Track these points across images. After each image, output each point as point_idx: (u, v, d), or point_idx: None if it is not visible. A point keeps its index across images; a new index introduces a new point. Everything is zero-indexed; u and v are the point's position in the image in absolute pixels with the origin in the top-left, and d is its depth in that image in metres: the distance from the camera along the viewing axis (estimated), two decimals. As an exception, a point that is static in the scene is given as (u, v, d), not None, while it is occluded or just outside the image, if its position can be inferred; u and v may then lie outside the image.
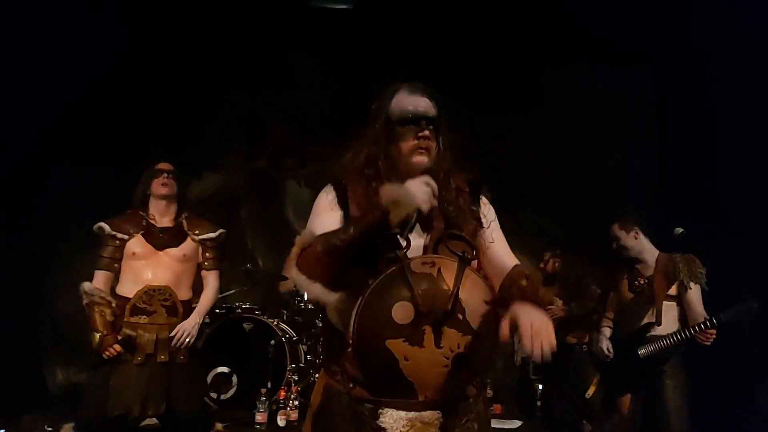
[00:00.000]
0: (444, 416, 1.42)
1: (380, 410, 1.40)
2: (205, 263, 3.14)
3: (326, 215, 1.55)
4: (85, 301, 2.86)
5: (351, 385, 1.45)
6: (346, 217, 1.52)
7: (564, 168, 5.30)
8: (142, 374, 2.82)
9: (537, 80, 5.25)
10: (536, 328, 1.27)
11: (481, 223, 1.61)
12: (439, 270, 1.38)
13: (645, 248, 3.38)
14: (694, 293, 3.18)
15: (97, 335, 2.78)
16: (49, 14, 4.35)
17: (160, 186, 3.02)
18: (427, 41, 5.10)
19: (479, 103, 5.34)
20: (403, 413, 1.39)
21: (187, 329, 2.94)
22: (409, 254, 1.42)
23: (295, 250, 1.46)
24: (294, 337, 4.58)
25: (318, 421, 1.52)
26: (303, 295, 4.56)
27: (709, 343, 3.03)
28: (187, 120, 5.14)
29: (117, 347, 2.77)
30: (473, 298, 1.39)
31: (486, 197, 1.67)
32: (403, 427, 1.38)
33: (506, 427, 4.27)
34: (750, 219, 3.76)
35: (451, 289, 1.36)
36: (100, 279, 2.93)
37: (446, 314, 1.34)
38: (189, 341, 2.93)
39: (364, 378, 1.42)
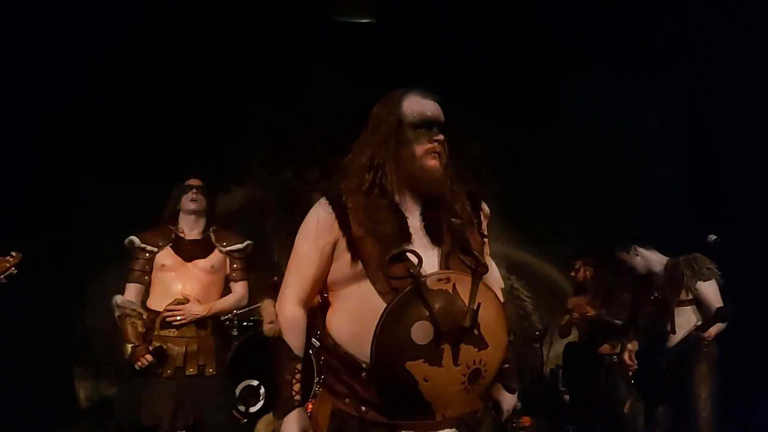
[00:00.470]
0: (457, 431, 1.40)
1: None
2: (233, 274, 3.16)
3: (313, 244, 1.50)
4: (117, 314, 2.89)
5: (363, 409, 1.40)
6: (349, 238, 1.45)
7: (592, 175, 5.22)
8: (172, 387, 2.83)
9: (564, 87, 5.19)
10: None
11: (484, 237, 1.59)
12: (454, 286, 1.35)
13: (652, 261, 3.38)
14: (706, 291, 3.13)
15: (130, 346, 2.81)
16: (86, 28, 4.47)
17: (189, 201, 3.06)
18: (451, 53, 5.10)
19: (506, 111, 5.32)
20: None
21: (187, 312, 2.91)
22: (423, 271, 1.36)
23: (265, 314, 1.56)
24: (321, 349, 4.57)
25: None
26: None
27: (711, 337, 3.03)
28: (214, 135, 5.21)
29: (149, 357, 2.78)
30: (487, 312, 1.36)
31: (485, 210, 1.64)
32: None
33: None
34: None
35: (467, 304, 1.32)
36: (132, 292, 2.98)
37: (464, 331, 1.31)
38: (179, 320, 2.90)
39: (381, 401, 1.38)
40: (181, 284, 2.97)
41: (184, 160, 4.50)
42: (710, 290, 3.14)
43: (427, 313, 1.30)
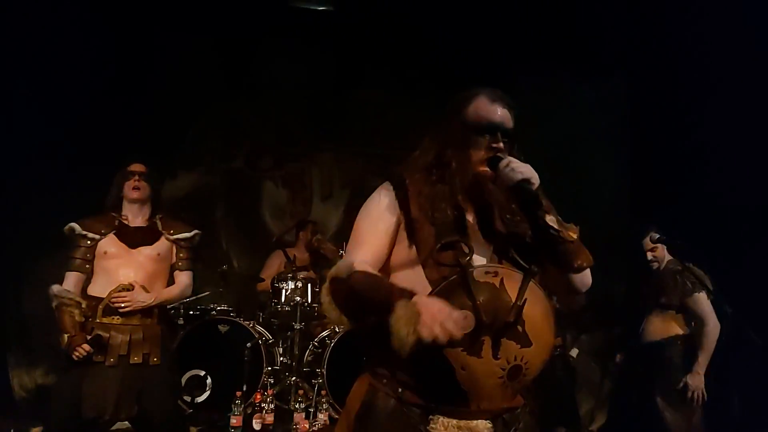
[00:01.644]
0: (494, 426, 1.40)
1: (430, 416, 1.38)
2: (179, 263, 3.10)
3: (379, 221, 1.50)
4: (53, 304, 2.79)
5: (400, 390, 1.41)
6: (407, 219, 1.47)
7: (545, 176, 5.35)
8: (115, 376, 2.75)
9: (515, 88, 5.29)
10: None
11: None
12: (501, 280, 1.36)
13: (666, 257, 3.46)
14: (694, 302, 3.22)
15: (66, 336, 2.72)
16: (27, 12, 4.25)
17: (131, 189, 2.97)
18: (408, 45, 5.12)
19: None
20: (454, 421, 1.37)
21: (134, 300, 2.83)
22: (472, 262, 1.38)
23: (331, 273, 1.42)
24: (270, 339, 4.54)
25: (362, 423, 1.46)
26: (280, 297, 4.52)
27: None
28: (162, 119, 5.06)
29: (86, 347, 2.70)
30: (534, 311, 1.36)
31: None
32: None
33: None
34: (729, 222, 3.86)
35: (513, 300, 1.33)
36: (71, 281, 2.88)
37: (507, 326, 1.32)
38: (124, 307, 2.82)
39: (417, 384, 1.39)
40: (125, 272, 2.89)
41: (129, 145, 4.35)
42: (701, 302, 3.22)
43: (470, 304, 1.31)
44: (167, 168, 5.21)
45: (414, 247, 1.45)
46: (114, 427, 2.95)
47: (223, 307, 4.62)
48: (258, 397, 4.09)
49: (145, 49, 4.99)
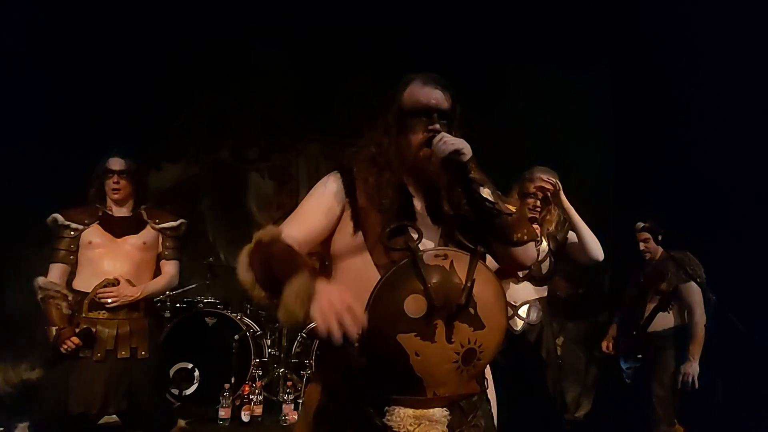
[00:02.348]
0: (450, 414, 1.39)
1: (387, 408, 1.36)
2: (165, 252, 3.05)
3: (321, 203, 1.49)
4: (39, 296, 2.76)
5: (355, 381, 1.40)
6: (354, 207, 1.47)
7: (528, 164, 5.37)
8: (102, 371, 2.73)
9: (503, 77, 5.29)
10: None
11: None
12: (451, 263, 1.35)
13: (658, 249, 3.49)
14: (686, 292, 3.29)
15: (54, 329, 2.68)
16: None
17: (111, 191, 2.92)
18: (394, 35, 5.08)
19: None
20: (410, 411, 1.35)
21: (121, 294, 2.80)
22: (421, 246, 1.38)
23: (257, 236, 1.40)
24: (258, 331, 4.54)
25: (320, 420, 1.45)
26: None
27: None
28: (146, 109, 4.98)
29: (75, 340, 2.67)
30: (485, 292, 1.36)
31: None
32: (410, 425, 1.34)
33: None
34: (714, 210, 3.91)
35: (464, 282, 1.32)
36: (56, 272, 2.83)
37: (459, 308, 1.31)
38: (110, 303, 2.79)
39: (372, 374, 1.37)
40: (111, 262, 2.85)
41: (113, 135, 4.28)
42: (690, 292, 3.28)
43: (422, 287, 1.30)
44: (152, 159, 5.14)
45: (360, 233, 1.45)
46: (101, 421, 2.92)
47: (210, 300, 4.60)
48: (246, 389, 4.09)
49: (130, 39, 4.90)
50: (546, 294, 3.06)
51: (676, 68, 4.41)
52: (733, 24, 3.82)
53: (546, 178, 2.89)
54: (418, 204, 1.51)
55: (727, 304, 2.99)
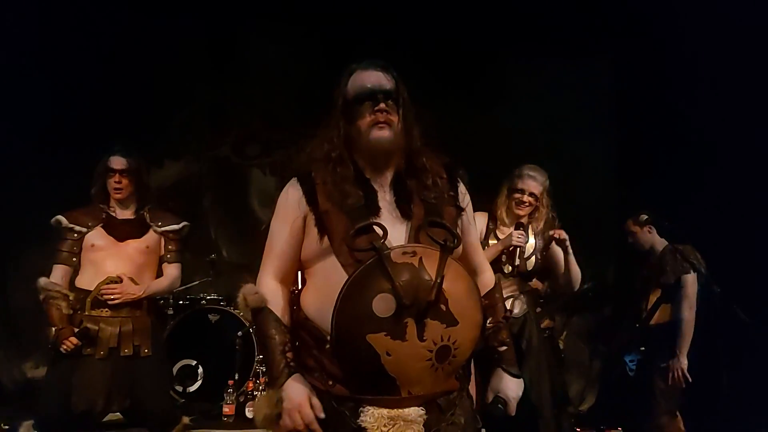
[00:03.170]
0: (428, 412, 1.37)
1: (361, 408, 1.35)
2: (168, 255, 3.06)
3: (285, 222, 1.51)
4: (41, 296, 2.77)
5: (330, 383, 1.39)
6: (316, 213, 1.45)
7: (531, 159, 5.34)
8: (106, 368, 2.75)
9: (506, 71, 5.27)
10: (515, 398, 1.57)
11: (460, 210, 1.56)
12: (420, 259, 1.32)
13: (656, 241, 3.48)
14: (683, 283, 3.24)
15: (54, 329, 2.69)
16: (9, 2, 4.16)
17: (113, 190, 2.91)
18: (395, 30, 5.06)
19: (445, 92, 5.35)
20: (384, 411, 1.34)
21: (124, 292, 2.81)
22: (389, 244, 1.36)
23: (245, 295, 1.51)
24: (261, 327, 4.54)
25: None
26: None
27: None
28: (147, 107, 4.98)
29: (74, 340, 2.68)
30: (456, 288, 1.34)
31: (463, 182, 1.62)
32: (385, 426, 1.33)
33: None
34: (715, 206, 3.89)
35: (434, 279, 1.30)
36: (58, 273, 2.85)
37: (429, 305, 1.28)
38: (113, 299, 2.80)
39: (344, 375, 1.37)
40: (113, 264, 2.86)
41: (114, 134, 4.28)
42: (689, 283, 3.24)
43: (389, 286, 1.28)
44: (154, 157, 5.14)
45: (326, 237, 1.43)
46: (105, 419, 2.93)
47: (213, 296, 4.60)
48: (250, 385, 4.10)
49: (129, 36, 4.89)
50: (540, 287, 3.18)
51: (678, 61, 4.39)
52: (736, 17, 3.80)
53: (557, 233, 2.96)
54: (384, 198, 1.47)
55: (732, 296, 2.98)
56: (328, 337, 1.36)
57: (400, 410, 1.35)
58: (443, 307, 1.31)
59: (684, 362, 3.19)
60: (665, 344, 3.30)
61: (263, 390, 4.02)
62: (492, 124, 5.25)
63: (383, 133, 1.46)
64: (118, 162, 2.93)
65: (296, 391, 1.40)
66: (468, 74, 5.29)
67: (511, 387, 1.57)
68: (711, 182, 3.98)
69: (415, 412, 1.36)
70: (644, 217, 3.50)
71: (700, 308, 3.24)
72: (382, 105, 1.46)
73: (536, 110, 5.27)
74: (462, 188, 1.61)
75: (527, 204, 3.03)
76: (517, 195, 3.03)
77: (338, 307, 1.32)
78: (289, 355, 1.45)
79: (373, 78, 1.50)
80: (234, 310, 4.44)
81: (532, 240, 3.06)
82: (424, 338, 1.29)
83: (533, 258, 3.06)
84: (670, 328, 3.32)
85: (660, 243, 3.48)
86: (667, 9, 4.26)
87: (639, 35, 4.71)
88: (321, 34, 5.25)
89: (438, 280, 1.30)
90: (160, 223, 3.03)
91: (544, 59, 5.17)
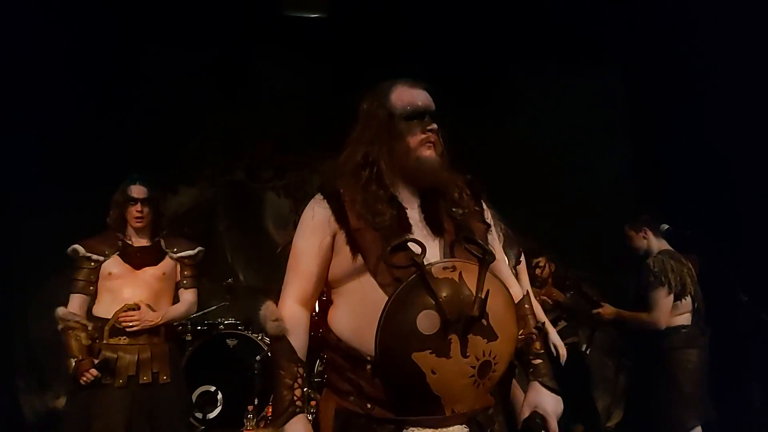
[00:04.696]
0: (469, 430, 1.35)
1: (404, 430, 1.33)
2: (184, 281, 3.08)
3: (311, 243, 1.47)
4: (59, 327, 2.77)
5: (369, 406, 1.35)
6: (347, 231, 1.42)
7: (547, 171, 5.31)
8: (125, 397, 2.74)
9: (519, 85, 5.26)
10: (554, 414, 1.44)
11: (487, 226, 1.56)
12: (460, 274, 1.31)
13: (653, 246, 3.43)
14: (651, 297, 3.23)
15: (73, 361, 2.69)
16: (25, 32, 4.25)
17: (134, 219, 2.93)
18: (403, 47, 5.09)
19: (459, 109, 5.33)
20: (429, 431, 1.32)
21: (142, 319, 2.80)
22: (426, 260, 1.33)
23: (265, 319, 1.46)
24: (279, 351, 4.51)
25: None
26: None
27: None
28: (161, 134, 5.03)
29: (93, 372, 2.67)
30: (495, 302, 1.32)
31: (484, 200, 1.61)
32: None
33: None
34: (732, 214, 3.82)
35: (475, 293, 1.28)
36: (76, 303, 2.85)
37: (472, 321, 1.27)
38: (132, 327, 2.79)
39: (387, 396, 1.33)
40: (130, 291, 2.87)
41: (129, 162, 4.32)
42: (655, 298, 3.23)
43: (433, 302, 1.26)
44: (168, 184, 5.18)
45: (359, 256, 1.40)
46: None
47: (231, 321, 4.59)
48: (270, 410, 4.05)
49: (141, 66, 4.98)
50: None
51: (690, 69, 4.35)
52: (747, 22, 3.77)
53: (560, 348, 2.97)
54: (414, 215, 1.46)
55: (760, 304, 2.90)
56: (368, 358, 1.33)
57: (445, 429, 1.33)
58: (485, 322, 1.29)
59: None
60: (675, 351, 3.23)
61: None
62: (506, 138, 5.23)
63: (432, 153, 1.47)
64: (138, 191, 2.95)
65: (298, 427, 1.38)
66: (479, 92, 5.28)
67: (549, 402, 1.48)
68: (731, 189, 3.90)
69: (459, 430, 1.34)
70: (644, 219, 3.48)
71: (725, 318, 3.16)
72: (434, 125, 1.48)
73: (549, 124, 5.24)
74: (485, 204, 1.61)
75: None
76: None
77: (381, 326, 1.29)
78: (297, 392, 1.41)
79: (423, 97, 1.52)
80: (252, 334, 4.42)
81: None
82: (467, 354, 1.28)
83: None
84: (679, 334, 3.25)
85: (657, 248, 3.42)
86: (679, 16, 4.24)
87: (651, 43, 4.68)
88: (328, 56, 5.29)
89: (481, 295, 1.28)
90: (175, 249, 3.04)
91: (555, 70, 5.15)
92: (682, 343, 3.23)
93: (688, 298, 3.25)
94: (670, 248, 3.40)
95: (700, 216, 3.72)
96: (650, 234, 3.44)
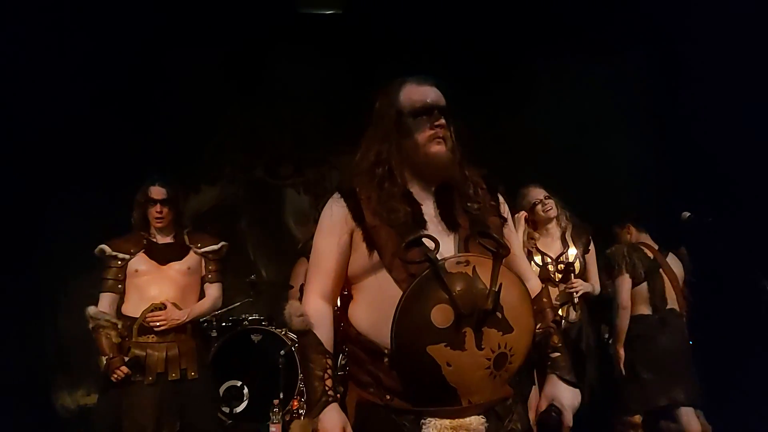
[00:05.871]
0: (487, 420, 1.38)
1: (422, 420, 1.36)
2: (209, 276, 3.13)
3: (331, 241, 1.51)
4: (90, 325, 2.85)
5: (388, 397, 1.39)
6: (363, 228, 1.46)
7: (561, 162, 5.26)
8: (154, 394, 2.80)
9: (531, 75, 5.20)
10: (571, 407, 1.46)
11: (503, 220, 1.57)
12: (474, 268, 1.33)
13: (635, 240, 3.54)
14: (616, 285, 3.38)
15: (104, 359, 2.76)
16: (44, 32, 4.33)
17: (155, 220, 3.00)
18: (419, 42, 5.07)
19: (473, 102, 5.30)
20: (447, 421, 1.34)
21: (169, 318, 2.87)
22: (440, 255, 1.36)
23: (290, 316, 1.51)
24: (303, 345, 4.55)
25: None
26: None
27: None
28: (181, 134, 5.10)
29: (124, 369, 2.74)
30: (510, 295, 1.34)
31: (501, 194, 1.63)
32: None
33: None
34: (746, 205, 3.76)
35: (489, 287, 1.30)
36: (105, 302, 2.92)
37: (486, 314, 1.29)
38: (159, 326, 2.86)
39: (404, 388, 1.37)
40: (157, 288, 2.93)
41: (150, 162, 4.39)
42: (619, 286, 3.36)
43: (447, 297, 1.29)
44: (191, 183, 5.25)
45: (375, 252, 1.43)
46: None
47: (255, 317, 4.64)
48: (295, 404, 4.11)
49: (159, 66, 5.03)
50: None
51: (709, 56, 4.26)
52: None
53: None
54: (428, 211, 1.48)
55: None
56: (386, 351, 1.37)
57: (462, 420, 1.35)
58: (499, 314, 1.31)
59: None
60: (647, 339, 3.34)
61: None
62: (520, 126, 5.20)
63: (441, 148, 1.48)
64: (158, 192, 3.01)
65: (331, 422, 1.42)
66: (497, 79, 5.25)
67: (566, 395, 1.49)
68: (753, 179, 3.83)
69: (477, 421, 1.36)
70: (627, 215, 3.63)
71: (746, 308, 3.12)
72: (442, 120, 1.49)
73: (565, 110, 5.19)
74: (501, 200, 1.62)
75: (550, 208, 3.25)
76: (539, 205, 3.25)
77: (397, 320, 1.32)
78: (328, 382, 1.46)
79: (432, 93, 1.53)
80: (276, 329, 4.47)
81: (572, 249, 3.24)
82: (482, 347, 1.30)
83: (577, 262, 3.24)
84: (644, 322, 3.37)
85: (637, 241, 3.53)
86: (698, 2, 4.16)
87: (669, 30, 4.60)
88: (344, 51, 5.30)
89: (494, 288, 1.30)
90: (199, 245, 3.10)
91: (575, 57, 5.08)
92: (642, 331, 3.37)
93: (644, 286, 3.39)
94: (648, 242, 3.51)
95: (722, 205, 3.66)
96: (633, 229, 3.57)
